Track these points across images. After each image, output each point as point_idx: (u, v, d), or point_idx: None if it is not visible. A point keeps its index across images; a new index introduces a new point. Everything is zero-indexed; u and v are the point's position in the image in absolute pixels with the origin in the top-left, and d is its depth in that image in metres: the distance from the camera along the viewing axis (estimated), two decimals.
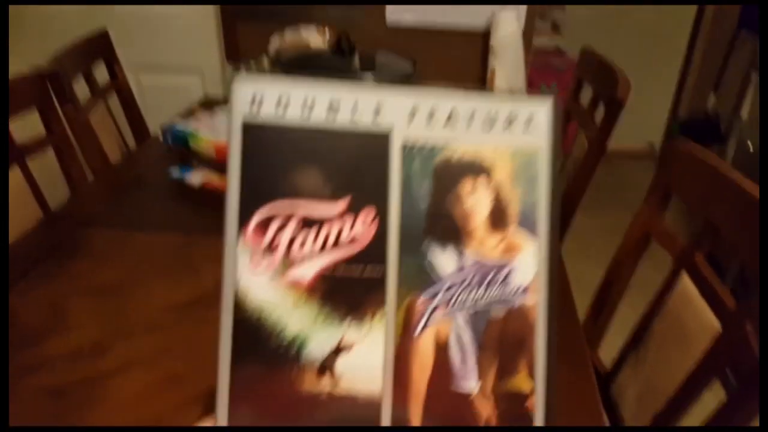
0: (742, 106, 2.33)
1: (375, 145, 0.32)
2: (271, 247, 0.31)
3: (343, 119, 0.32)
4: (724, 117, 2.98)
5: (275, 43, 1.69)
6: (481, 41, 2.10)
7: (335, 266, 0.31)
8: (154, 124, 1.82)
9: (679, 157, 1.02)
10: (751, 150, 2.23)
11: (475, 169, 0.32)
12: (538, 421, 0.32)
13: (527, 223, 0.32)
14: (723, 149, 2.44)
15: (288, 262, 0.31)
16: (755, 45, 2.36)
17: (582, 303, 1.03)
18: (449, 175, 0.32)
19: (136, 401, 0.74)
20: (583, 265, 1.59)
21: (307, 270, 0.31)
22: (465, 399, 0.32)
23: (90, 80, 1.62)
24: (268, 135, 0.31)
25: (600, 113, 1.41)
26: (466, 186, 0.32)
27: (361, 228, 0.32)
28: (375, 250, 0.32)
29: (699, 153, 0.97)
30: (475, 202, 0.32)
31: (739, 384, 0.80)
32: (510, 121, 0.32)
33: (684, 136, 2.66)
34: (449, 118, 0.32)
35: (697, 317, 0.92)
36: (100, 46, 1.70)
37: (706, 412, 0.83)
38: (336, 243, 0.31)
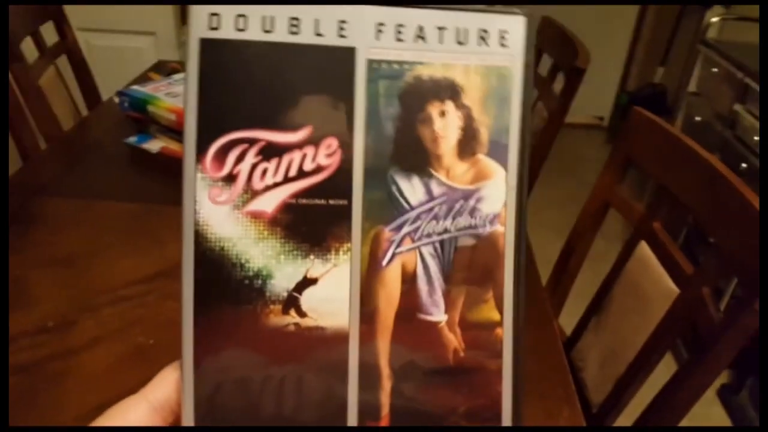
0: (689, 79, 2.39)
1: (339, 61, 0.30)
2: (230, 177, 0.29)
3: (305, 36, 0.30)
4: (672, 90, 3.05)
5: None
6: None
7: (298, 197, 0.30)
8: (104, 89, 1.76)
9: (639, 126, 1.05)
10: (698, 119, 2.29)
11: (445, 89, 0.31)
12: (506, 349, 0.31)
13: (497, 149, 0.31)
14: (670, 121, 2.50)
15: (249, 192, 0.30)
16: (702, 18, 2.42)
17: (540, 273, 1.06)
18: (418, 96, 0.31)
19: (105, 375, 0.73)
20: (538, 236, 1.62)
21: (269, 201, 0.30)
22: (433, 329, 0.31)
23: (38, 41, 1.55)
24: (227, 52, 0.29)
25: (558, 83, 1.43)
26: (435, 108, 0.31)
27: (325, 157, 0.30)
28: (339, 180, 0.30)
29: (658, 122, 1.00)
30: (445, 125, 0.31)
31: (697, 344, 0.83)
32: (483, 37, 0.31)
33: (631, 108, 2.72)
34: (419, 33, 0.31)
35: (655, 283, 0.95)
36: (47, 5, 1.63)
37: (666, 375, 0.86)
38: (298, 173, 0.30)
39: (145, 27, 2.26)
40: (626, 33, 3.71)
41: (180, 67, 1.53)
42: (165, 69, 1.61)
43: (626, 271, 1.04)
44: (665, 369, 0.92)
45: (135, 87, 1.30)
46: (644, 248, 1.00)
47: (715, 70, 2.21)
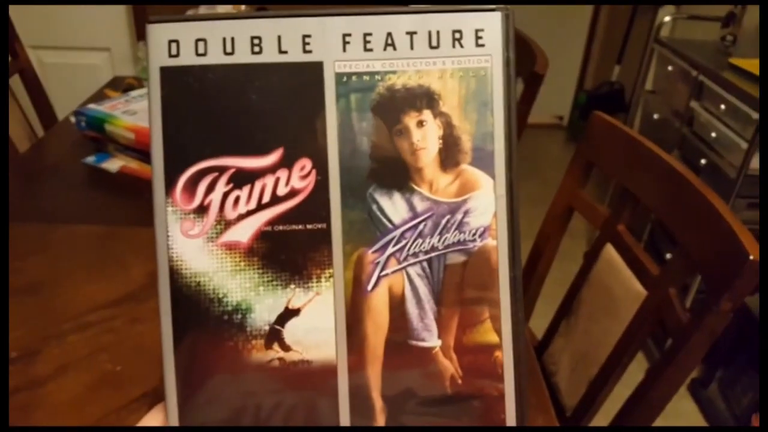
0: (646, 77, 2.43)
1: (306, 78, 0.29)
2: (202, 209, 0.29)
3: (269, 54, 0.29)
4: (629, 87, 3.10)
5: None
6: None
7: (273, 224, 0.29)
8: (60, 108, 1.72)
9: (600, 130, 1.06)
10: (656, 118, 2.33)
11: (421, 98, 0.29)
12: (507, 373, 0.29)
13: (482, 157, 0.29)
14: (628, 118, 2.54)
15: (222, 223, 0.29)
16: (654, 17, 2.47)
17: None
18: (392, 108, 0.29)
19: (74, 406, 0.71)
20: None
21: (244, 231, 0.29)
22: (426, 355, 0.29)
23: None
24: (189, 79, 0.28)
25: (518, 88, 1.44)
26: (412, 118, 0.29)
27: (298, 180, 0.29)
28: (315, 203, 0.29)
29: (619, 126, 1.01)
30: (424, 135, 0.29)
31: (665, 343, 0.84)
32: (457, 38, 0.29)
33: (590, 107, 2.75)
34: (388, 41, 0.29)
35: (622, 285, 0.97)
36: None
37: (638, 374, 0.87)
38: (272, 198, 0.29)
39: (100, 43, 2.22)
40: (581, 33, 3.76)
41: (136, 82, 1.51)
42: (121, 85, 1.58)
43: (594, 274, 1.05)
44: (638, 367, 0.93)
45: (91, 105, 1.27)
46: (610, 251, 1.01)
47: (670, 68, 2.25)
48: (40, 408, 0.71)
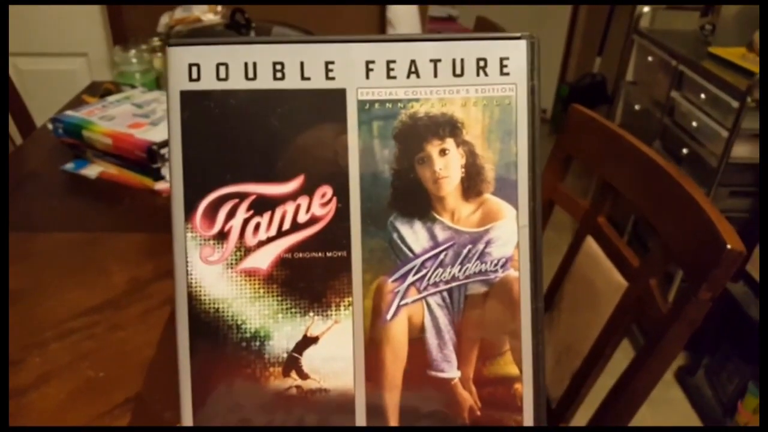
0: (626, 68, 2.45)
1: (329, 104, 0.29)
2: (222, 235, 0.29)
3: (291, 81, 0.28)
4: (610, 79, 3.12)
5: (165, 20, 1.62)
6: (378, 12, 2.10)
7: (293, 251, 0.29)
8: (38, 114, 1.71)
9: (578, 123, 1.06)
10: (637, 109, 2.35)
11: (444, 126, 0.29)
12: (527, 406, 0.29)
13: (505, 187, 0.29)
14: (610, 110, 2.56)
15: (242, 249, 0.29)
16: (633, 8, 2.48)
17: None
18: (415, 136, 0.29)
19: (57, 414, 0.71)
20: None
21: (264, 257, 0.29)
22: (446, 386, 0.29)
23: None
24: (210, 102, 0.28)
25: None
26: (435, 146, 0.29)
27: (319, 207, 0.29)
28: (336, 230, 0.29)
29: (597, 119, 1.02)
30: (446, 164, 0.29)
31: (648, 334, 0.85)
32: (481, 66, 0.29)
33: (572, 99, 2.76)
34: (411, 68, 0.28)
35: (604, 277, 0.97)
36: None
37: (624, 362, 0.88)
38: (293, 226, 0.29)
39: (76, 48, 2.20)
40: (562, 26, 3.78)
41: (114, 87, 1.50)
42: (99, 90, 1.57)
43: (575, 267, 1.06)
44: (623, 356, 0.93)
45: (69, 112, 1.27)
46: (591, 243, 1.01)
47: (650, 58, 2.26)
48: (22, 417, 0.70)
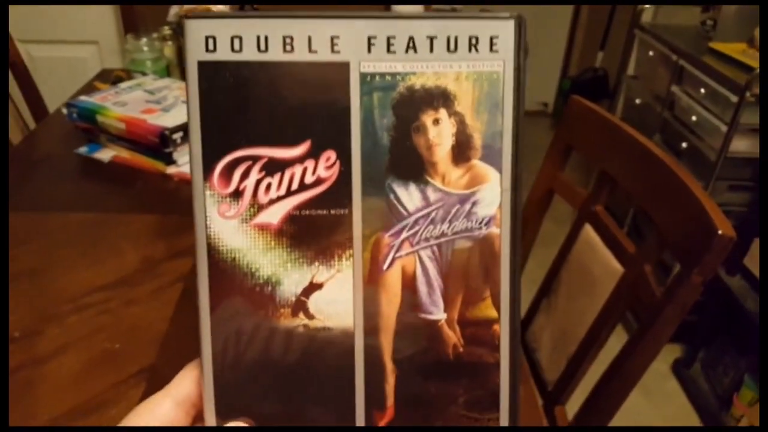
0: (628, 62, 2.47)
1: (334, 76, 0.31)
2: (237, 193, 0.31)
3: (299, 53, 0.31)
4: (612, 73, 3.14)
5: (175, 10, 1.65)
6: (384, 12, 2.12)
7: (301, 209, 0.32)
8: (49, 100, 1.74)
9: (578, 114, 1.09)
10: (638, 102, 2.37)
11: (438, 98, 0.31)
12: (504, 344, 0.33)
13: (491, 154, 0.32)
14: (612, 104, 2.58)
15: (255, 206, 0.31)
16: (636, 3, 2.50)
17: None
18: (411, 106, 0.31)
19: (75, 381, 0.74)
20: None
21: (274, 214, 0.32)
22: (433, 327, 0.33)
23: None
24: (224, 73, 0.31)
25: None
26: (429, 116, 0.31)
27: (324, 170, 0.31)
28: (339, 191, 0.32)
29: (596, 110, 1.05)
30: (439, 132, 0.32)
31: (641, 318, 0.88)
32: (473, 44, 0.31)
33: (574, 93, 2.79)
34: (409, 44, 0.31)
35: (601, 263, 1.00)
36: None
37: (618, 347, 0.91)
38: (300, 186, 0.31)
39: (88, 36, 2.23)
40: (565, 19, 3.79)
41: (125, 75, 1.53)
42: (110, 77, 1.60)
43: (573, 254, 1.09)
44: (617, 341, 0.97)
45: (83, 97, 1.30)
46: (589, 231, 1.04)
47: (651, 53, 2.28)
48: (42, 384, 0.73)
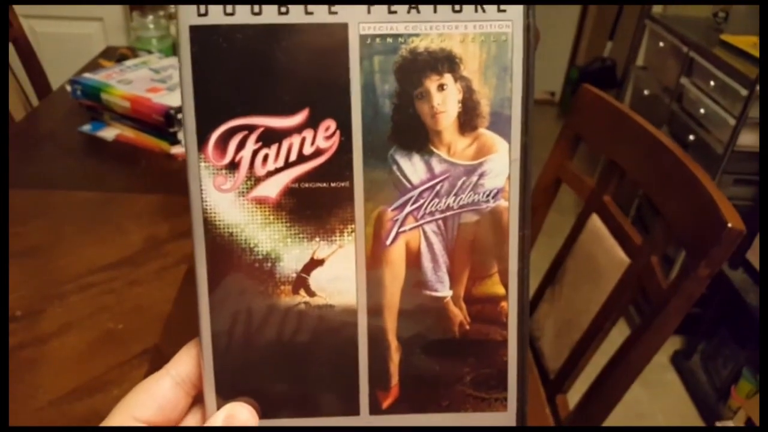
0: (637, 53, 2.45)
1: (332, 39, 0.29)
2: (233, 165, 0.30)
3: (295, 15, 0.29)
4: (620, 64, 3.12)
5: None
6: None
7: (300, 181, 0.30)
8: (53, 77, 1.73)
9: (586, 103, 1.08)
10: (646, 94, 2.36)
11: (443, 61, 0.30)
12: (512, 321, 0.32)
13: (499, 122, 0.30)
14: (620, 94, 2.57)
15: (252, 179, 0.30)
16: None
17: None
18: (414, 71, 0.30)
19: (77, 361, 0.74)
20: None
21: (272, 186, 0.30)
22: (438, 303, 0.32)
23: None
24: (217, 37, 0.29)
25: None
26: (433, 81, 0.30)
27: (323, 140, 0.30)
28: (339, 162, 0.30)
29: (606, 99, 1.04)
30: (444, 99, 0.30)
31: (646, 309, 0.88)
32: (479, 3, 0.29)
33: (582, 82, 2.77)
34: (412, 3, 0.29)
35: (607, 253, 1.00)
36: None
37: (620, 340, 0.91)
38: (299, 157, 0.30)
39: (92, 13, 2.21)
40: (574, 8, 3.76)
41: (130, 52, 1.52)
42: (114, 55, 1.59)
43: (579, 243, 1.08)
44: (618, 334, 0.96)
45: (87, 75, 1.29)
46: (595, 221, 1.04)
47: (662, 44, 2.27)
48: (45, 363, 0.73)
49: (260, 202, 0.30)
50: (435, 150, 0.31)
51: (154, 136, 1.21)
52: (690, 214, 0.83)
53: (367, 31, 0.30)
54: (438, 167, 0.31)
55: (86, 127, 1.28)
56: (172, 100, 1.18)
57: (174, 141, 1.19)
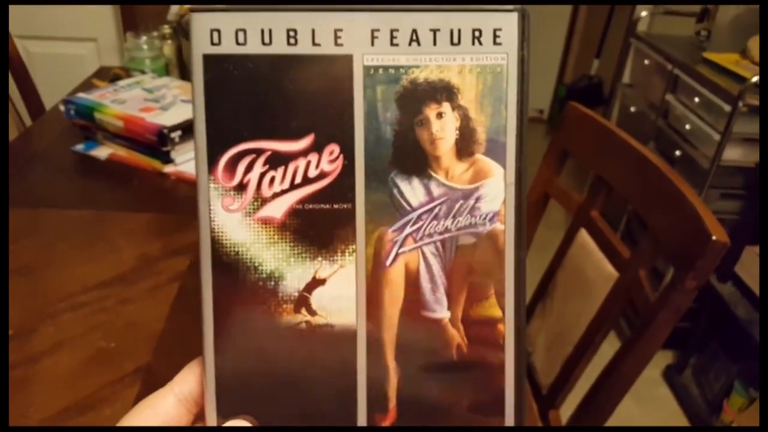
0: (623, 70, 2.48)
1: (337, 69, 0.31)
2: (241, 186, 0.31)
3: (303, 46, 0.31)
4: (607, 81, 3.15)
5: (175, 9, 1.65)
6: None
7: (304, 203, 0.31)
8: (46, 97, 1.74)
9: (573, 120, 1.10)
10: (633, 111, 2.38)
11: (441, 91, 0.31)
12: (508, 344, 0.32)
13: (495, 148, 0.32)
14: (607, 111, 2.59)
15: (259, 200, 0.31)
16: (632, 12, 2.51)
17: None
18: (414, 100, 0.31)
19: (70, 380, 0.74)
20: None
21: (278, 207, 0.31)
22: (436, 325, 0.32)
23: None
24: (229, 66, 0.31)
25: None
26: (432, 110, 0.31)
27: (327, 164, 0.31)
28: (342, 185, 0.31)
29: (592, 116, 1.06)
30: (442, 126, 0.31)
31: (635, 322, 0.89)
32: (476, 36, 0.31)
33: (569, 100, 2.80)
34: (413, 37, 0.31)
35: (595, 267, 1.01)
36: None
37: (611, 353, 0.92)
38: (304, 179, 0.31)
39: (86, 33, 2.22)
40: (561, 27, 3.81)
41: (123, 73, 1.53)
42: (108, 75, 1.60)
43: (568, 258, 1.09)
44: (610, 347, 0.97)
45: (81, 94, 1.30)
46: (584, 235, 1.05)
47: (647, 62, 2.30)
48: (37, 382, 0.73)
49: (266, 222, 0.32)
50: (434, 174, 0.32)
51: (147, 155, 1.22)
52: (675, 227, 0.84)
53: (370, 62, 0.31)
54: (436, 190, 0.32)
55: (79, 147, 1.29)
56: (166, 119, 1.19)
57: (167, 160, 1.20)
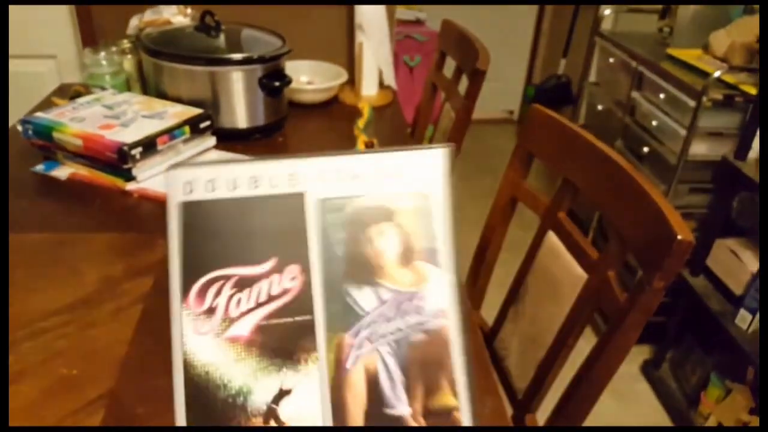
0: (589, 69, 2.50)
1: (293, 204, 0.36)
2: (211, 310, 0.35)
3: (264, 189, 0.36)
4: (575, 80, 3.17)
5: (135, 22, 1.63)
6: (347, 13, 2.12)
7: (269, 318, 0.35)
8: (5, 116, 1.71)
9: (537, 122, 1.10)
10: (600, 109, 2.40)
11: (382, 213, 0.37)
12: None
13: (431, 255, 0.37)
14: (575, 110, 2.61)
15: (227, 321, 0.35)
16: (597, 10, 2.53)
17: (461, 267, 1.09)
18: (360, 223, 0.37)
19: (31, 411, 0.72)
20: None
21: (245, 326, 0.35)
22: (399, 422, 0.36)
23: None
24: (201, 210, 0.35)
25: (463, 83, 1.48)
26: (375, 229, 0.37)
27: (288, 282, 0.36)
28: (303, 299, 0.36)
29: (555, 117, 1.05)
30: (384, 241, 0.37)
31: (606, 322, 0.88)
32: (410, 171, 0.37)
33: (539, 100, 2.82)
34: (354, 174, 0.37)
35: (565, 269, 1.01)
36: None
37: (584, 356, 0.91)
38: (268, 297, 0.36)
39: (45, 50, 2.18)
40: (528, 28, 3.84)
41: (84, 90, 1.50)
42: (68, 92, 1.57)
43: (538, 261, 1.09)
44: (586, 344, 0.97)
45: (38, 114, 1.27)
46: (552, 238, 1.05)
47: (612, 60, 2.32)
48: None
49: (234, 340, 0.35)
50: (381, 281, 0.37)
51: (109, 173, 1.20)
52: (642, 227, 0.84)
53: (320, 195, 0.37)
54: (385, 295, 0.37)
55: (39, 167, 1.26)
56: (126, 136, 1.17)
57: (129, 177, 1.18)
